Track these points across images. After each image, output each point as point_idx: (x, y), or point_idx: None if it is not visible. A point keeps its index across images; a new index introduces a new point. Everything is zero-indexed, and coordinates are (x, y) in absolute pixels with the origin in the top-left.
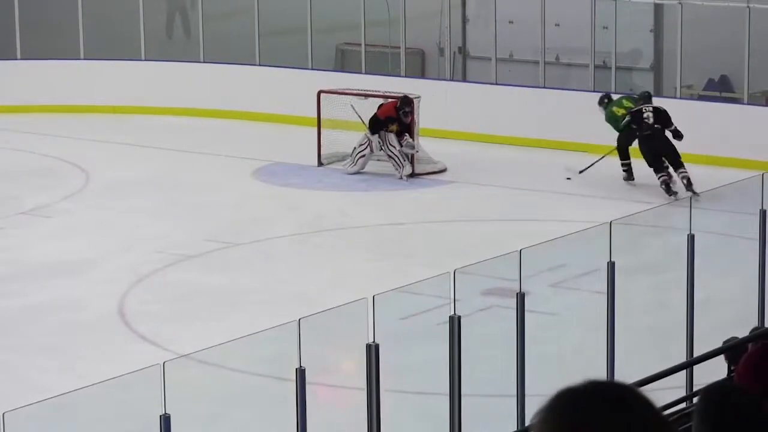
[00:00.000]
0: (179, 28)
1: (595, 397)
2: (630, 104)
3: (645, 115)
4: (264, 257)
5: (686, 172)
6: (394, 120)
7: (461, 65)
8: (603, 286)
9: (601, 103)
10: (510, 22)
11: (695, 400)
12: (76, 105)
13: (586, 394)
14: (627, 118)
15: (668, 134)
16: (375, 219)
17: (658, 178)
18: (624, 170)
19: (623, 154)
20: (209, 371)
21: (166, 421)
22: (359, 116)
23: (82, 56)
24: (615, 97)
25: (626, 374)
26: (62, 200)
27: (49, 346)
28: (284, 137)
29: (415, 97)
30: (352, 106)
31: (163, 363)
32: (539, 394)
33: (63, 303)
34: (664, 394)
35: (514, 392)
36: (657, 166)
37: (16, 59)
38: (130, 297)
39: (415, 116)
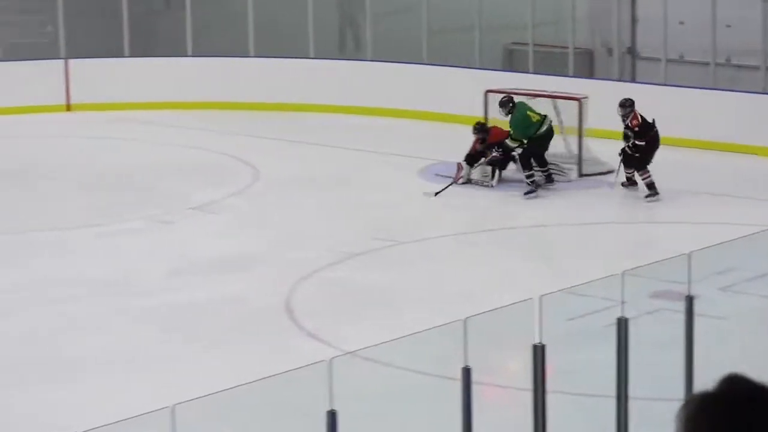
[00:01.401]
0: (350, 42)
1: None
2: (538, 116)
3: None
4: (429, 256)
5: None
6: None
7: (630, 66)
8: None
9: (505, 105)
10: (680, 22)
11: None
12: (246, 102)
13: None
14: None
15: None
16: (540, 219)
17: (643, 178)
18: (529, 182)
19: (529, 164)
20: (375, 369)
21: (332, 417)
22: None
23: (252, 53)
24: (516, 99)
25: None
26: (230, 196)
27: (216, 342)
28: (451, 136)
29: (583, 98)
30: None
31: (330, 359)
32: None
33: (230, 299)
34: None
35: (682, 396)
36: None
37: (188, 56)
38: (297, 294)
39: (583, 117)
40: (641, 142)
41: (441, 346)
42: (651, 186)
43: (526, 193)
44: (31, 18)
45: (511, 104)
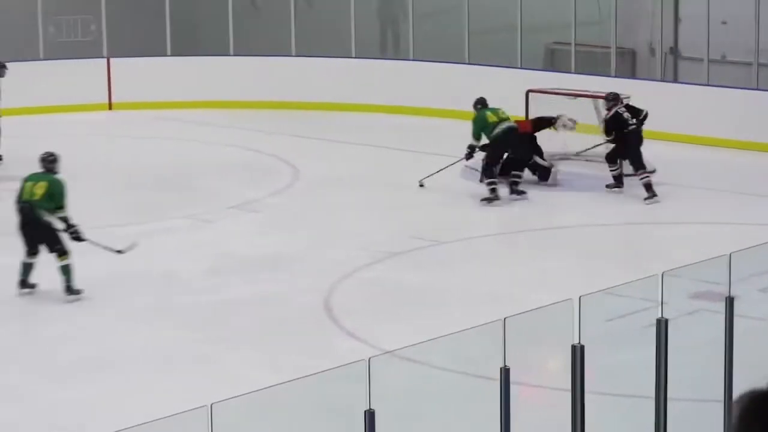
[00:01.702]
0: (391, 42)
1: None
2: (496, 117)
3: (625, 116)
4: (468, 256)
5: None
6: None
7: (673, 66)
8: None
9: (475, 106)
10: (723, 22)
11: None
12: (287, 101)
13: None
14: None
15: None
16: (582, 219)
17: (640, 178)
18: (491, 189)
19: (491, 171)
20: (414, 368)
21: (370, 416)
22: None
23: (293, 53)
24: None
25: None
26: (270, 195)
27: (255, 340)
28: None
29: (625, 98)
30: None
31: (369, 359)
32: None
33: (268, 297)
34: None
35: (721, 397)
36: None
37: (229, 55)
38: (336, 293)
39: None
40: (608, 137)
41: (480, 346)
42: (648, 187)
43: (482, 200)
44: (74, 17)
45: (479, 105)
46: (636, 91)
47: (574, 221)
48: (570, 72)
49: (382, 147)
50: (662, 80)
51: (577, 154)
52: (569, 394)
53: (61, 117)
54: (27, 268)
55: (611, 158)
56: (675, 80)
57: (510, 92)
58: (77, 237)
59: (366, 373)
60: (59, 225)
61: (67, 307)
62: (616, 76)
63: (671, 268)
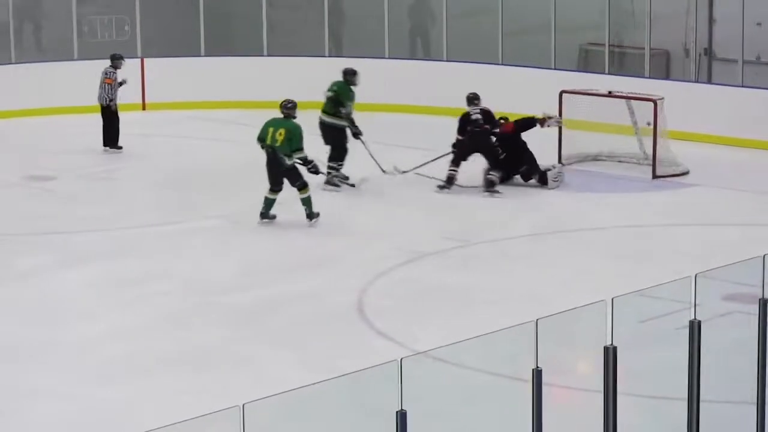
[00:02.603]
0: (419, 51)
1: None
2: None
3: (474, 117)
4: (501, 257)
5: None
6: None
7: (707, 67)
8: None
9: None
10: (758, 23)
11: None
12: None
13: None
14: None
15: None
16: (614, 221)
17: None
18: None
19: (342, 154)
20: (445, 369)
21: (402, 417)
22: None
23: (326, 53)
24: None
25: None
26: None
27: (287, 340)
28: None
29: (659, 99)
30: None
31: (400, 359)
32: None
33: (302, 297)
34: None
35: (754, 400)
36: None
37: (263, 55)
38: (369, 293)
39: (658, 117)
40: (459, 136)
41: (512, 347)
42: (449, 180)
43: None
44: (108, 17)
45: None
46: (670, 93)
47: (606, 222)
48: (604, 73)
49: (414, 148)
50: (696, 81)
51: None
52: (602, 396)
53: (95, 117)
54: (269, 203)
55: (457, 160)
56: (709, 81)
57: (544, 93)
58: (315, 171)
59: (398, 373)
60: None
61: (103, 306)
62: (650, 77)
63: (704, 269)
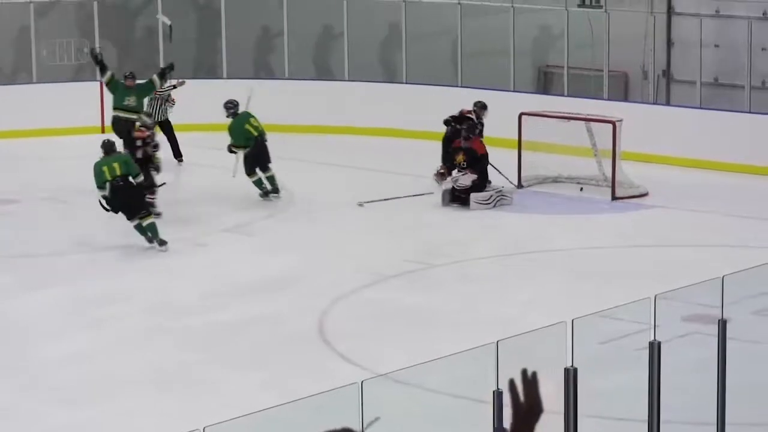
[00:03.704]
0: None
1: None
2: (254, 126)
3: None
4: (462, 279)
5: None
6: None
7: (665, 89)
8: None
9: (227, 108)
10: (716, 45)
11: None
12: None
13: None
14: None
15: None
16: (574, 242)
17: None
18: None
19: (252, 168)
20: (407, 391)
21: None
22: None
23: (286, 75)
24: (242, 109)
25: None
26: (265, 218)
27: (249, 362)
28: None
29: (617, 121)
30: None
31: (362, 382)
32: (739, 423)
33: (264, 320)
34: None
35: (714, 420)
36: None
37: (222, 78)
38: (330, 315)
39: (617, 139)
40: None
41: (473, 368)
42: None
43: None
44: (67, 40)
45: (232, 109)
46: (629, 114)
47: (567, 244)
48: (563, 95)
49: (375, 170)
50: (655, 103)
51: None
52: (563, 418)
53: (52, 140)
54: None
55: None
56: (668, 103)
57: (503, 115)
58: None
59: (359, 395)
60: None
61: (65, 327)
62: (609, 99)
63: (664, 290)
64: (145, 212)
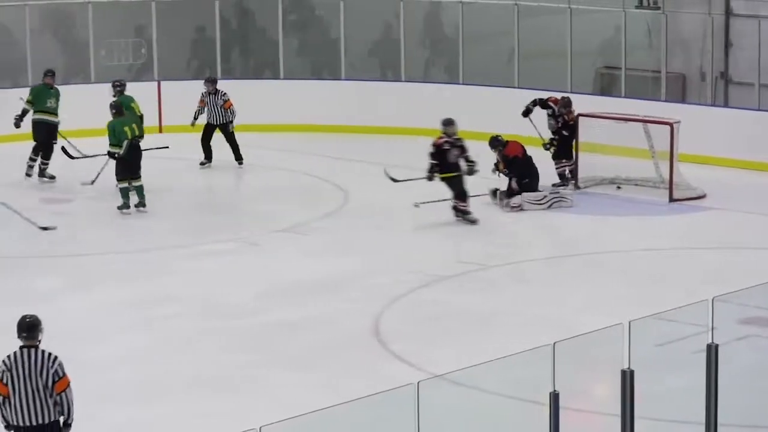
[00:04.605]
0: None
1: None
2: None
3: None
4: (517, 280)
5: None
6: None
7: (723, 90)
8: None
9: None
10: None
11: None
12: (332, 125)
13: None
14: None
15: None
16: (631, 244)
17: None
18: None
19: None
20: (463, 392)
21: None
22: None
23: (343, 76)
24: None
25: None
26: (321, 218)
27: (304, 363)
28: (541, 160)
29: (675, 122)
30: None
31: (417, 383)
32: None
33: (318, 321)
34: None
35: None
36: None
37: (279, 79)
38: (385, 316)
39: (675, 141)
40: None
41: (529, 370)
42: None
43: (119, 207)
44: (125, 41)
45: (115, 110)
46: (686, 116)
47: (624, 245)
48: (620, 96)
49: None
50: (713, 105)
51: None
52: (619, 420)
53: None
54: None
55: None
56: (725, 105)
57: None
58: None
59: (415, 396)
60: None
61: (118, 330)
62: (666, 101)
63: (722, 293)
64: (139, 174)
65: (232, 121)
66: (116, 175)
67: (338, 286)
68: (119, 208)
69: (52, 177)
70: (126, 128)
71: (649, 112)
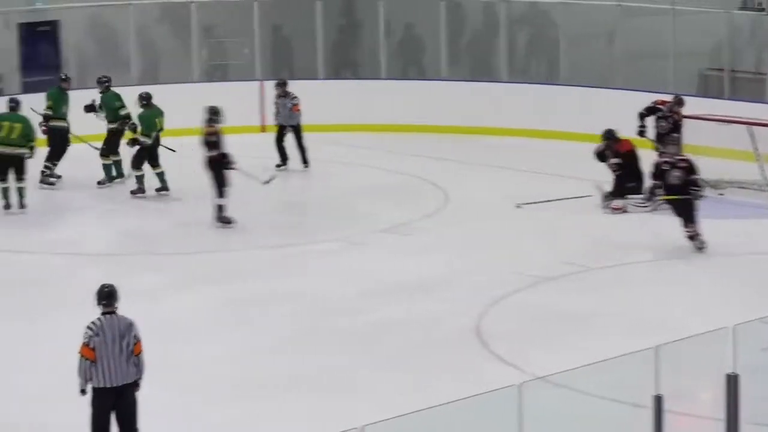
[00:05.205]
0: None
1: None
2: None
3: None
4: (622, 282)
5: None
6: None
7: None
8: None
9: (140, 99)
10: None
11: None
12: (436, 125)
13: None
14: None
15: None
16: (736, 247)
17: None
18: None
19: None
20: (565, 394)
21: None
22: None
23: (442, 76)
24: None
25: None
26: (421, 219)
27: (405, 363)
28: (643, 161)
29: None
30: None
31: (520, 384)
32: None
33: (420, 320)
34: None
35: None
36: None
37: (381, 79)
38: (487, 317)
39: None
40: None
41: (633, 373)
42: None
43: (132, 192)
44: (227, 40)
45: (145, 101)
46: None
47: (728, 248)
48: (723, 98)
49: (534, 172)
50: None
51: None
52: (724, 425)
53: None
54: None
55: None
56: None
57: None
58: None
59: (517, 398)
60: None
61: (218, 327)
62: None
63: None
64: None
65: (294, 125)
66: (133, 162)
67: (440, 286)
68: (133, 192)
69: (53, 183)
70: (156, 120)
71: (753, 115)
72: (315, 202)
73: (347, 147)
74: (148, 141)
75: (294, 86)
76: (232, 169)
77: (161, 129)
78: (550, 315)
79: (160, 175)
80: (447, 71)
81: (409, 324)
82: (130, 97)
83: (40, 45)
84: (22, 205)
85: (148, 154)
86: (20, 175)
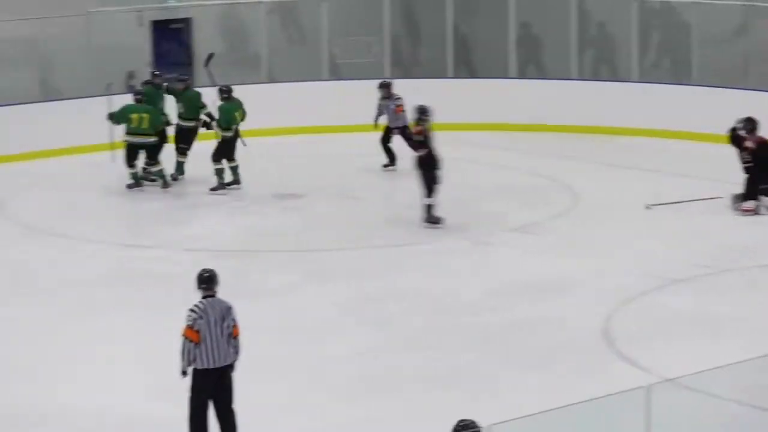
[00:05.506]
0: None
1: None
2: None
3: None
4: (752, 285)
5: None
6: None
7: None
8: None
9: (221, 92)
10: None
11: None
12: (555, 125)
13: None
14: None
15: None
16: None
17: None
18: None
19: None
20: (694, 397)
21: None
22: None
23: (574, 76)
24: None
25: None
26: (551, 219)
27: (531, 363)
28: None
29: None
30: None
31: (649, 386)
32: None
33: (547, 320)
34: None
35: None
36: None
37: (509, 78)
38: (616, 318)
39: None
40: None
41: (762, 377)
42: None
43: (211, 189)
44: (357, 39)
45: (226, 95)
46: None
47: None
48: None
49: (666, 173)
50: None
51: None
52: None
53: (330, 137)
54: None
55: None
56: None
57: None
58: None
59: (646, 400)
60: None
61: (347, 324)
62: None
63: None
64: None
65: (400, 127)
66: (214, 156)
67: (568, 287)
68: (212, 189)
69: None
70: (236, 113)
71: None
72: (443, 201)
73: (480, 147)
74: (229, 134)
75: (421, 85)
76: (439, 169)
77: (240, 122)
78: (678, 317)
79: (234, 169)
80: (576, 71)
81: (536, 323)
82: (257, 94)
83: (172, 42)
84: (165, 184)
85: (227, 147)
86: (152, 161)
